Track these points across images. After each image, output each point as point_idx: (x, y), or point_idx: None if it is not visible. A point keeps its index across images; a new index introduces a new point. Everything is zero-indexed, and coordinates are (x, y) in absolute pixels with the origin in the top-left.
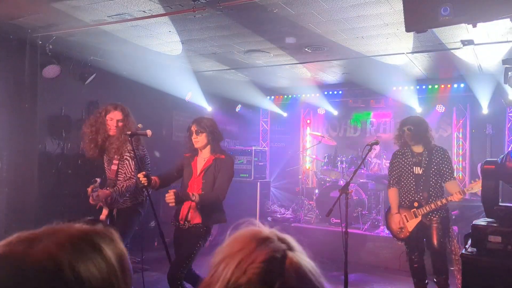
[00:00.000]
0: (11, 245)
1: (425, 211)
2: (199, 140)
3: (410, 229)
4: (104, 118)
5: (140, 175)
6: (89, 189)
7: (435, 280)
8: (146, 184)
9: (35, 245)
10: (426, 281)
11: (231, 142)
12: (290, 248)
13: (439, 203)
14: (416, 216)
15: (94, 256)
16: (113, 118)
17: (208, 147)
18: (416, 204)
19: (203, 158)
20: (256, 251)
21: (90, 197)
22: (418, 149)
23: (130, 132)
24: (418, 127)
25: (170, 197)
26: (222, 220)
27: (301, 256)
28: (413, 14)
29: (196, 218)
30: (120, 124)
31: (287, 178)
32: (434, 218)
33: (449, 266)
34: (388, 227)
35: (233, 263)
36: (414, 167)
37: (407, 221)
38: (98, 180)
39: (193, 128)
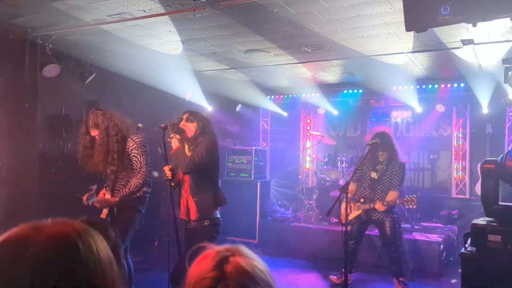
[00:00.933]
0: (19, 230)
1: (365, 207)
2: (187, 128)
3: (350, 218)
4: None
5: (166, 168)
6: (84, 198)
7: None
8: (170, 178)
9: (43, 228)
10: (354, 264)
11: (231, 142)
12: (234, 253)
13: (372, 205)
14: (358, 209)
15: (98, 234)
16: (95, 136)
17: (194, 139)
18: (362, 200)
19: (188, 151)
20: (206, 270)
21: (94, 203)
22: (382, 157)
23: (163, 125)
24: (389, 147)
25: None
26: (222, 202)
27: (245, 259)
28: (413, 14)
29: (194, 214)
30: (97, 137)
31: (287, 178)
32: (385, 217)
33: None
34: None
35: None
36: (372, 172)
37: (350, 212)
38: (94, 187)
39: (185, 115)
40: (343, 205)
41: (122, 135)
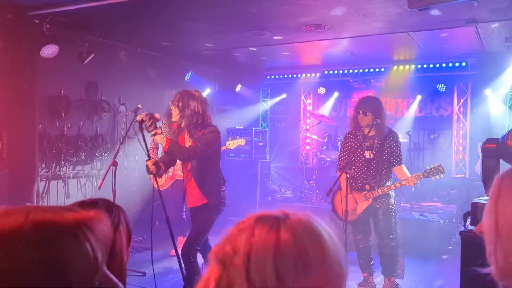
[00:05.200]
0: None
1: (376, 194)
2: (184, 115)
3: (358, 212)
4: None
5: (149, 163)
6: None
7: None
8: (155, 171)
9: (35, 216)
10: (372, 262)
11: (231, 122)
12: (285, 217)
13: (392, 186)
14: (366, 199)
15: (99, 223)
16: None
17: (192, 127)
18: (367, 187)
19: (188, 139)
20: (254, 227)
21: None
22: (370, 132)
23: (139, 119)
24: (374, 110)
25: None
26: (222, 184)
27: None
28: None
29: (200, 200)
30: None
31: (287, 158)
32: (385, 203)
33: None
34: (334, 209)
35: (229, 246)
36: (366, 152)
37: (357, 203)
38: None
39: (179, 103)
40: (337, 198)
41: None
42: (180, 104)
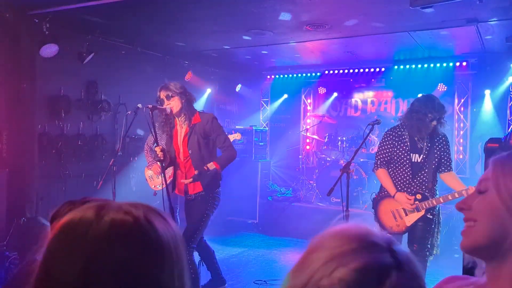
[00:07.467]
0: (82, 210)
1: (430, 204)
2: (173, 104)
3: (408, 224)
4: None
5: (157, 149)
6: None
7: None
8: (162, 158)
9: (107, 207)
10: None
11: (231, 122)
12: (398, 266)
13: (450, 197)
14: (418, 210)
15: (161, 219)
16: None
17: (184, 112)
18: (419, 196)
19: (181, 126)
20: (354, 254)
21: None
22: (430, 130)
23: (151, 106)
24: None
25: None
26: (220, 177)
27: (409, 282)
28: None
29: (196, 188)
30: None
31: (287, 158)
32: (434, 213)
33: None
34: (378, 219)
35: (323, 258)
36: (412, 154)
37: (406, 214)
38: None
39: (162, 94)
40: (383, 206)
41: None
42: (170, 93)
